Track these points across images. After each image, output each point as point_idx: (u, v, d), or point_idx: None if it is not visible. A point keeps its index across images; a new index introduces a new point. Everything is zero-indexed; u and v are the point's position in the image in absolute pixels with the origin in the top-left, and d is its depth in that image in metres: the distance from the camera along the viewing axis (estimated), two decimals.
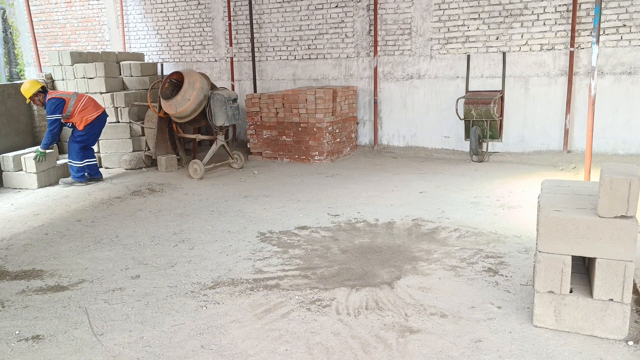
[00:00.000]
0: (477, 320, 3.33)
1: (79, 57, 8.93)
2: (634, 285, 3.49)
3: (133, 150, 8.64)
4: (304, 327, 3.30)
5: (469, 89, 8.56)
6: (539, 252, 3.11)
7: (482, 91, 8.36)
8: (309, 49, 9.88)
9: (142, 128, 8.63)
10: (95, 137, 7.68)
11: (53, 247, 4.96)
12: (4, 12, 14.45)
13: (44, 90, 7.30)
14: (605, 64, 7.64)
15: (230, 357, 3.00)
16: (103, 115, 7.59)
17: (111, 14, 11.75)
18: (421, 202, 6.04)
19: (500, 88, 8.36)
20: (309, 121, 8.32)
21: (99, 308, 3.67)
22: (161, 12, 11.33)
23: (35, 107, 8.43)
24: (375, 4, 9.04)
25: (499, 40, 8.31)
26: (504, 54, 8.27)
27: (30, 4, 12.03)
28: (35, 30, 11.94)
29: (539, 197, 3.46)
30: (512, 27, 8.18)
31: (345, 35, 9.50)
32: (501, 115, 8.37)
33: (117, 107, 8.63)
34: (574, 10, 7.67)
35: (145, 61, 10.80)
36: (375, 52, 9.20)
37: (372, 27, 9.21)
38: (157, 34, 11.48)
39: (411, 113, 9.17)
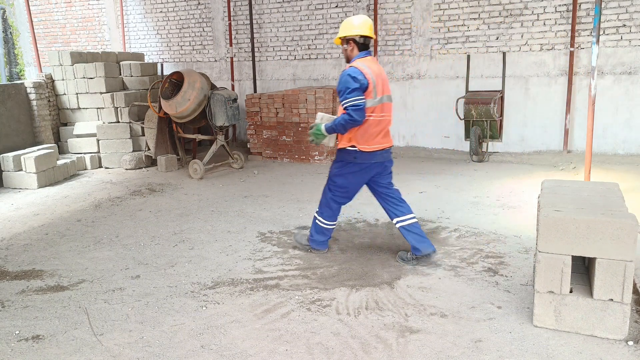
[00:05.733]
0: (477, 320, 3.33)
1: (79, 57, 8.93)
2: (634, 285, 3.49)
3: (133, 150, 8.65)
4: (304, 327, 3.30)
5: (469, 89, 8.56)
6: (539, 252, 3.10)
7: (482, 91, 8.36)
8: (309, 49, 9.88)
9: (142, 128, 8.63)
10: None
11: (53, 247, 4.96)
12: (4, 12, 14.45)
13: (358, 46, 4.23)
14: (605, 64, 7.64)
15: (230, 357, 3.00)
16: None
17: (111, 14, 11.75)
18: (421, 202, 6.03)
19: (500, 88, 8.35)
20: (309, 121, 8.32)
21: (99, 308, 3.67)
22: (161, 12, 11.32)
23: (35, 107, 8.40)
24: (375, 4, 9.04)
25: (499, 40, 8.30)
26: (504, 54, 8.26)
27: (30, 4, 12.02)
28: (35, 30, 11.94)
29: (539, 197, 3.46)
30: (512, 27, 8.18)
31: None
32: (501, 115, 8.36)
33: (117, 107, 8.64)
34: (574, 10, 7.66)
35: (145, 61, 10.80)
36: (375, 52, 9.20)
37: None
38: (157, 34, 11.47)
39: (411, 113, 9.16)
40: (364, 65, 4.09)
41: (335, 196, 4.38)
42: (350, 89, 4.01)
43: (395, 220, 4.28)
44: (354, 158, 4.23)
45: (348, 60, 4.24)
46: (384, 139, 4.25)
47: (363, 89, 4.02)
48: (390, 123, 4.32)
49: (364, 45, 4.19)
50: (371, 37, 4.20)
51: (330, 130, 4.29)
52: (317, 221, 4.47)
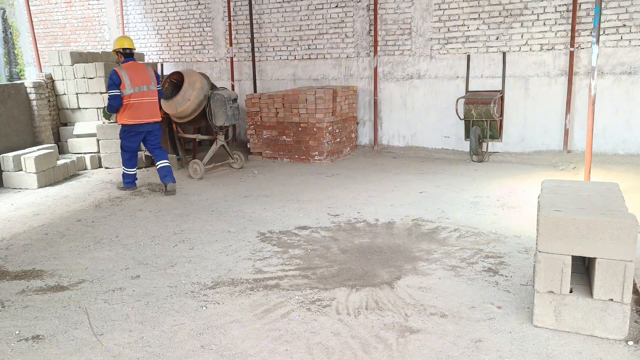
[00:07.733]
0: (477, 320, 3.33)
1: (79, 57, 8.93)
2: (634, 285, 3.49)
3: None
4: (304, 327, 3.30)
5: (469, 89, 8.56)
6: (539, 252, 3.11)
7: (482, 91, 8.36)
8: (309, 49, 9.88)
9: None
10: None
11: (53, 247, 4.96)
12: (4, 12, 14.45)
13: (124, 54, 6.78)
14: (605, 64, 7.64)
15: (230, 357, 3.00)
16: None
17: (111, 14, 11.75)
18: (421, 202, 6.04)
19: (500, 88, 8.36)
20: (309, 121, 8.32)
21: (99, 308, 3.67)
22: (161, 12, 11.32)
23: (35, 107, 8.40)
24: (375, 4, 9.04)
25: (499, 40, 8.31)
26: (504, 54, 8.27)
27: (30, 4, 12.03)
28: (35, 30, 11.94)
29: (539, 197, 3.46)
30: (512, 27, 8.18)
31: (345, 35, 9.50)
32: (501, 115, 8.37)
33: None
34: (574, 10, 7.67)
35: (145, 61, 10.79)
36: (375, 52, 9.20)
37: (372, 27, 9.21)
38: (157, 34, 11.47)
39: (411, 113, 9.17)
40: (122, 68, 6.51)
41: (126, 152, 6.83)
42: (108, 85, 6.50)
43: (156, 163, 6.80)
44: (126, 130, 6.70)
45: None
46: (149, 115, 6.69)
47: (116, 84, 6.42)
48: (155, 104, 6.77)
49: (127, 54, 6.71)
50: (132, 49, 6.74)
51: (107, 110, 6.72)
52: (124, 172, 6.93)
